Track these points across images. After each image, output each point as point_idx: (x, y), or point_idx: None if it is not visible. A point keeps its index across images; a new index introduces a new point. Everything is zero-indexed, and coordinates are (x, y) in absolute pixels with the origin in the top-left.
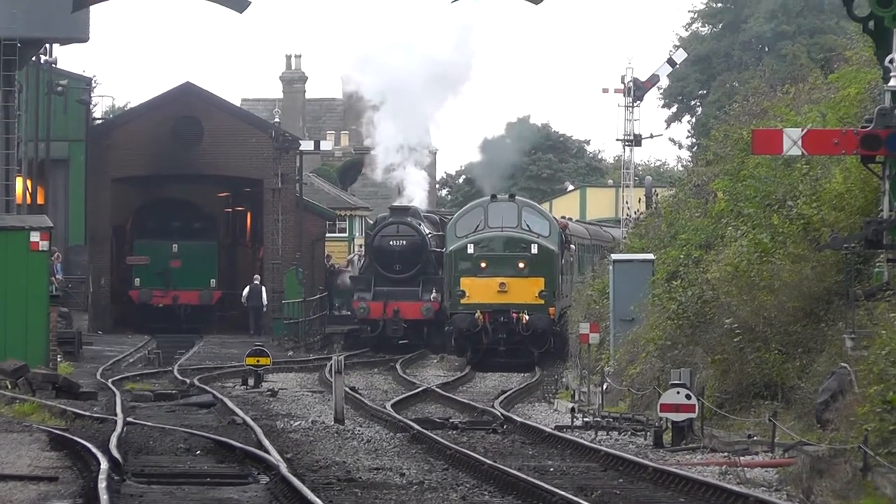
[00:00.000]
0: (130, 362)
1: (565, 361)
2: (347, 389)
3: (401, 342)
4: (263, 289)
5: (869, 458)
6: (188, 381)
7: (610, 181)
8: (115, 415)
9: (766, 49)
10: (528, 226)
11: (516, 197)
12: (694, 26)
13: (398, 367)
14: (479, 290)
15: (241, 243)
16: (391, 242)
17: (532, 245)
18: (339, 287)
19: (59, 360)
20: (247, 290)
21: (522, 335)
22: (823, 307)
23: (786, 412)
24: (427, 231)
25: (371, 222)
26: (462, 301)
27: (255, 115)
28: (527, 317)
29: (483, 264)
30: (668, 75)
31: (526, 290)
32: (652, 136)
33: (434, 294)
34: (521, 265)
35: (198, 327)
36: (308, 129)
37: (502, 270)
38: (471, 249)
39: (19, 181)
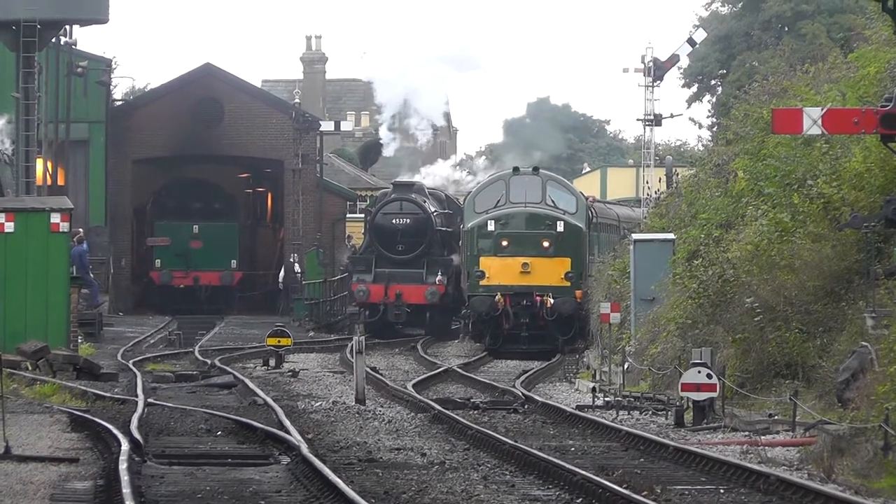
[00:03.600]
0: (151, 343)
1: (586, 341)
2: (368, 370)
3: (400, 327)
4: (297, 266)
5: (890, 436)
6: (209, 361)
7: (630, 161)
8: (136, 396)
9: (786, 28)
10: (553, 201)
11: (540, 170)
12: (713, 6)
13: (419, 347)
14: (499, 271)
15: (262, 224)
16: (393, 220)
17: (558, 222)
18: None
19: (79, 341)
20: (282, 270)
21: (546, 320)
22: (844, 286)
23: (806, 391)
24: (432, 209)
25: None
26: (481, 282)
27: (275, 95)
28: (551, 300)
29: (504, 243)
30: (688, 55)
31: (551, 272)
32: (672, 116)
33: (439, 277)
34: (546, 244)
35: (218, 308)
36: (328, 110)
37: (525, 250)
38: (491, 226)
39: (39, 162)
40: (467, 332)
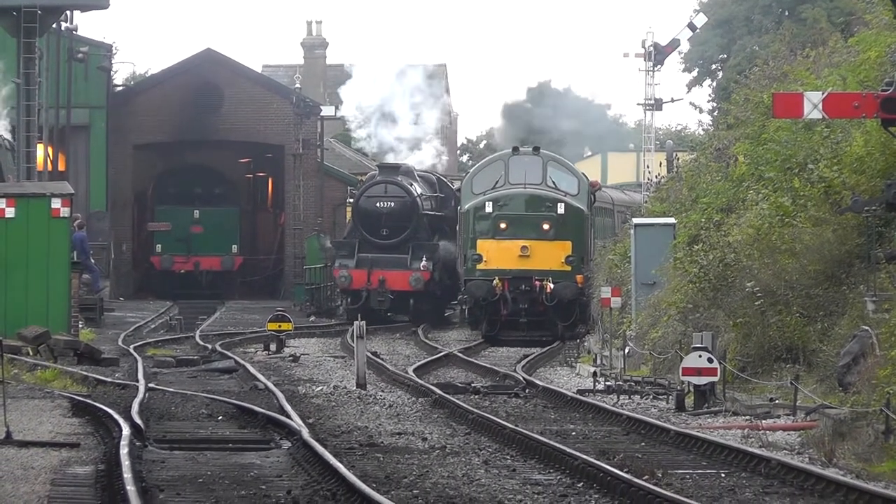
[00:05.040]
0: (152, 328)
1: (587, 326)
2: (369, 354)
3: (390, 314)
4: None
5: (891, 420)
6: (210, 346)
7: (631, 145)
8: (137, 381)
9: (786, 13)
10: (554, 182)
11: (541, 150)
12: None
13: (420, 332)
14: (497, 255)
15: (263, 209)
16: (378, 204)
17: (558, 204)
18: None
19: (80, 326)
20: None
21: (546, 305)
22: (845, 270)
23: (807, 375)
24: (419, 191)
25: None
26: (479, 266)
27: (276, 81)
28: (551, 285)
29: (503, 225)
30: (688, 39)
31: (551, 255)
32: (673, 101)
33: (424, 262)
34: (546, 227)
35: (219, 293)
36: (329, 95)
37: (524, 232)
38: (489, 208)
39: (40, 148)
40: (464, 318)
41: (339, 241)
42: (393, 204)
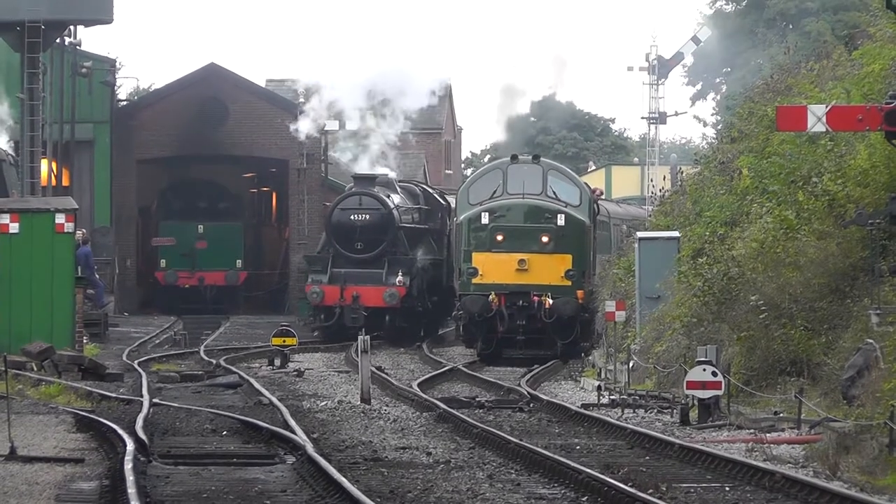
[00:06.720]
0: (156, 343)
1: (590, 342)
2: (373, 369)
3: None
4: None
5: (895, 433)
6: (214, 361)
7: (635, 159)
8: (142, 396)
9: (790, 26)
10: (554, 192)
11: (542, 159)
12: (718, 4)
13: (424, 346)
14: (494, 268)
15: (267, 224)
16: (352, 217)
17: (559, 215)
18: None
19: (85, 341)
20: None
21: (545, 322)
22: (849, 283)
23: (812, 389)
24: (397, 203)
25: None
26: (474, 281)
27: (279, 95)
28: (550, 301)
29: (500, 237)
30: (692, 53)
31: (550, 269)
32: (677, 114)
33: (400, 277)
34: (545, 239)
35: (223, 308)
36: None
37: (522, 245)
38: (485, 219)
39: (44, 163)
40: (458, 335)
41: (311, 256)
42: (368, 216)
